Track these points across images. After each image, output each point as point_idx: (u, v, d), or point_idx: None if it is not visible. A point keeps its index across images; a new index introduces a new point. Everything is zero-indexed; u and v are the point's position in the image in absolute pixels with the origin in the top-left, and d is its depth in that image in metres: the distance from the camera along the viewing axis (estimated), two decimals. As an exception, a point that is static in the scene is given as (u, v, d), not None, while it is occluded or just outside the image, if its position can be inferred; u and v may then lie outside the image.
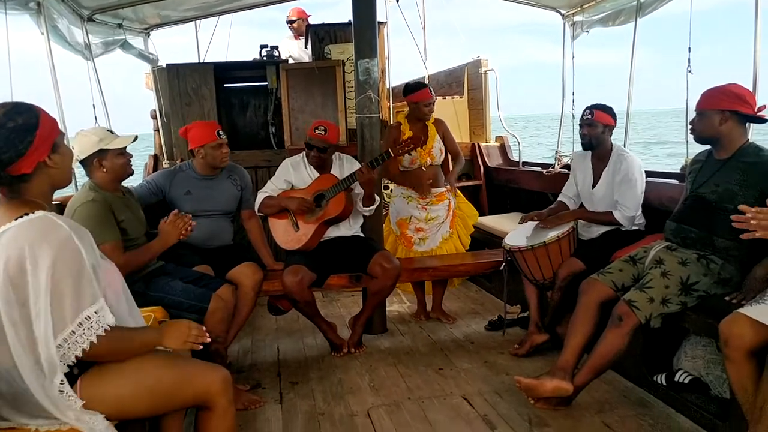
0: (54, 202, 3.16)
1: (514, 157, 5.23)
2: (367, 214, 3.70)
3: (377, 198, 3.66)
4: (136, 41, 5.28)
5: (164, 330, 1.91)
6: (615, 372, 3.04)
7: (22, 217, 1.59)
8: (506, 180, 5.07)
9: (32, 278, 1.54)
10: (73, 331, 1.59)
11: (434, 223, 4.04)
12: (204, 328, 1.98)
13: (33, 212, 1.60)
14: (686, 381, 2.71)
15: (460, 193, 4.26)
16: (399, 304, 4.64)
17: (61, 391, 1.62)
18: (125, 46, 5.01)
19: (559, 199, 3.67)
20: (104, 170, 2.79)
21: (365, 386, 3.17)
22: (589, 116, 3.28)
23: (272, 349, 3.83)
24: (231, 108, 5.70)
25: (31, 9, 3.55)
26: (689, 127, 2.74)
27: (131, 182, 3.19)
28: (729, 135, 2.58)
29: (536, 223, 3.54)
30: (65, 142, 1.83)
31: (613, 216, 3.23)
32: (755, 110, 2.54)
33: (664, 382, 2.80)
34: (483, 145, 5.46)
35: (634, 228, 3.27)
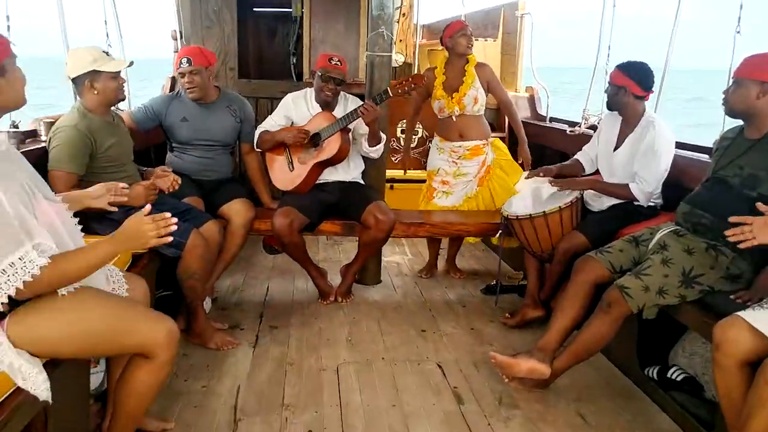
0: (47, 120, 3.12)
1: (542, 111, 4.85)
2: (374, 155, 3.48)
3: (383, 136, 3.43)
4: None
5: (118, 237, 1.73)
6: (604, 356, 2.83)
7: None
8: (531, 135, 4.70)
9: None
10: None
11: (462, 179, 3.74)
12: (168, 215, 1.75)
13: None
14: (679, 378, 2.48)
15: (505, 148, 3.90)
16: (401, 255, 4.48)
17: None
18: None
19: (576, 156, 3.34)
20: (95, 92, 2.68)
21: (342, 339, 3.07)
22: (612, 74, 2.95)
23: (261, 289, 3.75)
24: (259, 35, 5.46)
25: None
26: (722, 96, 2.37)
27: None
28: (764, 112, 2.22)
29: (540, 186, 3.22)
30: (17, 64, 1.68)
31: (629, 190, 2.90)
32: None
33: (655, 376, 2.57)
34: (512, 94, 5.05)
35: (650, 204, 2.95)
